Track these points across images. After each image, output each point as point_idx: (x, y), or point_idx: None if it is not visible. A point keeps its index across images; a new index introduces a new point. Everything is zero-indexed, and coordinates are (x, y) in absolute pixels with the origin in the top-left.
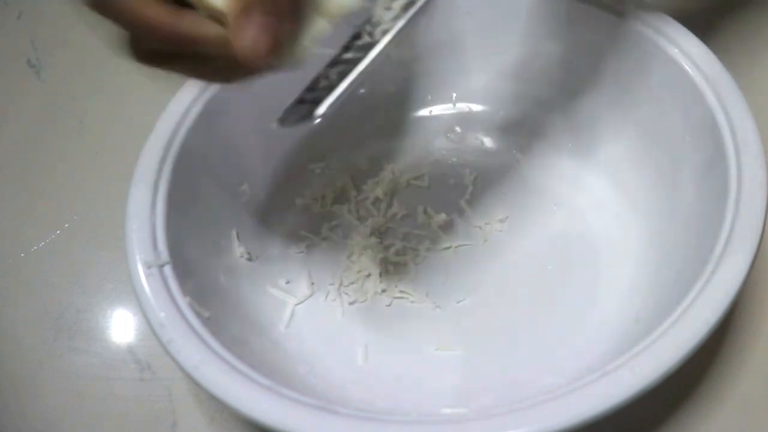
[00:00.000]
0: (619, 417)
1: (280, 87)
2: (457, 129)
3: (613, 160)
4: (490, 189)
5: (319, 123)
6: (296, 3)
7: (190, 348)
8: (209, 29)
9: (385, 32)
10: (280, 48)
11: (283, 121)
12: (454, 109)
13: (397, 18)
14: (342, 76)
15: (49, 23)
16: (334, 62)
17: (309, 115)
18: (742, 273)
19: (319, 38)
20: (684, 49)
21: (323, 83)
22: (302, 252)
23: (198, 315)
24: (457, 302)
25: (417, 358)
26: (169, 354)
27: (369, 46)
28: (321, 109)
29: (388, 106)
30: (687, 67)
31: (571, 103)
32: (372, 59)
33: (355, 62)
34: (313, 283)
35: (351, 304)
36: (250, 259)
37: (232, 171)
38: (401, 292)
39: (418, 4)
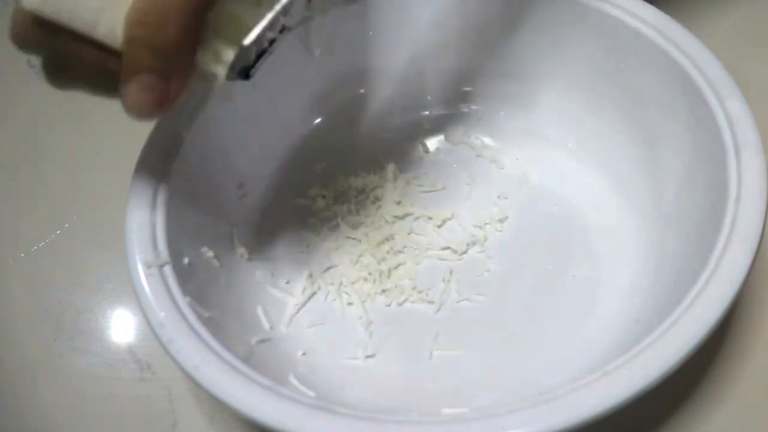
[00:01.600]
0: (619, 417)
1: (280, 87)
2: (457, 129)
3: (615, 160)
4: (489, 189)
5: (319, 123)
6: (184, 56)
7: (190, 348)
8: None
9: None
10: (166, 101)
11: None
12: (454, 109)
13: None
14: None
15: None
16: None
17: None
18: (742, 273)
19: (228, 63)
20: (692, 58)
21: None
22: (302, 252)
23: (198, 315)
24: (457, 302)
25: (417, 357)
26: (169, 354)
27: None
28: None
29: (388, 106)
30: (690, 71)
31: (571, 103)
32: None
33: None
34: (313, 283)
35: (351, 304)
36: (250, 259)
37: (232, 171)
38: (402, 292)
39: None
